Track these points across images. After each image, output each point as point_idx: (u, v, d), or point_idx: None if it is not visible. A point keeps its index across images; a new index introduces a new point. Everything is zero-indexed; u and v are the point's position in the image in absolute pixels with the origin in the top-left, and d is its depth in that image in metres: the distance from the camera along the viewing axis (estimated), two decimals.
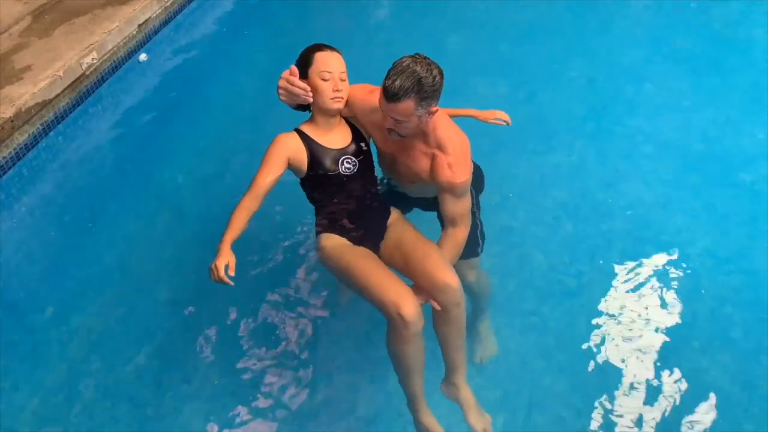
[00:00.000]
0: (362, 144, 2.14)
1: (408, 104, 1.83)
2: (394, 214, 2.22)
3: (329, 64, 2.01)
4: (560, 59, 4.09)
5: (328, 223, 2.14)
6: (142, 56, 4.03)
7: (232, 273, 1.83)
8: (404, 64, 1.84)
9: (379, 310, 1.92)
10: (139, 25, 4.05)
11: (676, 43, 4.27)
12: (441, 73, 1.87)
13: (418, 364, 1.95)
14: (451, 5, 4.70)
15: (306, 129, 2.11)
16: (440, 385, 2.14)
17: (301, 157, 2.06)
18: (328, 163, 2.07)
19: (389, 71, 1.86)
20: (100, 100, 3.70)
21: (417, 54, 1.87)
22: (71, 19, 3.88)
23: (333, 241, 2.10)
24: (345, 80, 2.04)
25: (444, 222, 2.08)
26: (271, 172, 2.01)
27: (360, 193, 2.14)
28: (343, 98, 2.04)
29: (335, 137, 2.11)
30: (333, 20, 4.60)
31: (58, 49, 3.61)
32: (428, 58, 1.88)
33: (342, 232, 2.12)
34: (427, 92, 1.84)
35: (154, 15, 4.19)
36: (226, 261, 1.84)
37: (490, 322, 2.49)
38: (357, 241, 2.11)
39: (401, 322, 1.85)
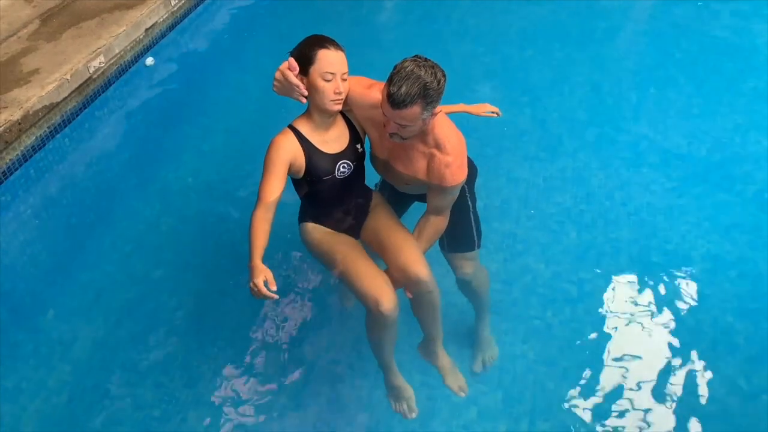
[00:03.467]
0: (358, 146, 2.12)
1: (414, 109, 1.81)
2: (376, 198, 2.25)
3: (333, 64, 1.93)
4: (565, 65, 4.10)
5: (313, 213, 2.16)
6: (149, 60, 4.05)
7: (273, 287, 1.82)
8: (408, 69, 1.79)
9: (359, 299, 2.05)
10: (146, 30, 4.08)
11: (680, 49, 4.28)
12: (444, 75, 1.85)
13: (392, 342, 2.14)
14: (456, 11, 4.72)
15: (302, 128, 2.03)
16: (417, 348, 2.29)
17: (300, 162, 2.01)
18: (325, 168, 2.04)
19: (392, 76, 1.81)
20: (106, 104, 3.73)
21: (418, 56, 1.84)
22: (79, 23, 3.92)
23: (317, 231, 2.14)
24: (346, 80, 1.98)
25: (428, 209, 2.10)
26: (277, 181, 1.96)
27: (351, 191, 2.16)
28: (343, 99, 1.99)
29: (333, 138, 2.06)
30: (338, 25, 4.62)
31: (66, 52, 3.64)
32: (429, 60, 1.84)
33: (326, 222, 2.15)
34: (432, 96, 1.82)
35: (161, 19, 4.22)
36: (263, 277, 1.82)
37: (490, 331, 2.48)
38: (339, 228, 2.16)
39: (380, 315, 1.98)
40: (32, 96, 3.29)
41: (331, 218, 2.16)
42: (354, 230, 2.20)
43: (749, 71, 4.00)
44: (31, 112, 3.25)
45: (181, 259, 2.89)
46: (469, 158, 2.16)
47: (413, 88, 1.78)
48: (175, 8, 4.35)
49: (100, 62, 3.68)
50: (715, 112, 3.66)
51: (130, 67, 3.95)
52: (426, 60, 1.84)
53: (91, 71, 3.62)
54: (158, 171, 3.38)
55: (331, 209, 2.15)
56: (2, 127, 3.09)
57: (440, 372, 2.25)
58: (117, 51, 3.82)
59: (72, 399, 2.36)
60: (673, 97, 3.80)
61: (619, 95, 3.87)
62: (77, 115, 3.56)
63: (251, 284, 1.84)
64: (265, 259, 1.89)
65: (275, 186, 1.96)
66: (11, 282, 2.80)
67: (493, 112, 2.36)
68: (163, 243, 2.98)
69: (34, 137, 3.29)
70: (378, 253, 2.18)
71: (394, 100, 1.79)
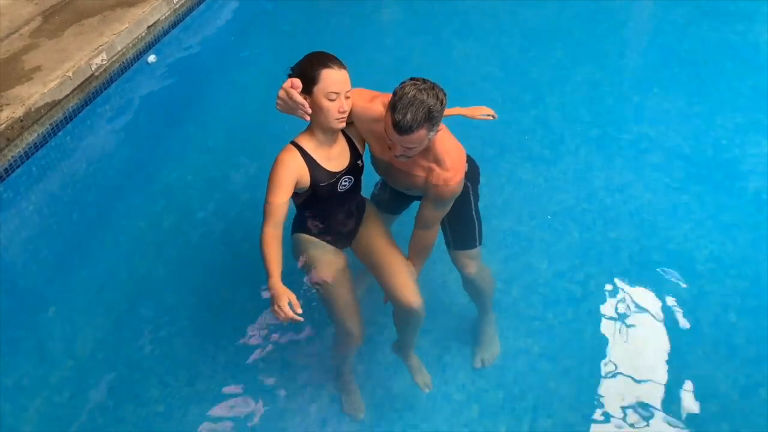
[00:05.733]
0: (359, 162, 2.12)
1: (421, 133, 1.83)
2: (369, 208, 2.26)
3: (337, 83, 1.91)
4: (567, 64, 4.10)
5: (309, 222, 2.14)
6: (151, 58, 4.05)
7: (298, 309, 1.81)
8: (410, 95, 1.80)
9: (331, 322, 2.22)
10: (148, 27, 4.08)
11: (683, 49, 4.28)
12: (445, 95, 1.87)
13: (353, 357, 2.33)
14: (459, 10, 4.72)
15: (306, 145, 2.02)
16: (391, 345, 2.38)
17: (305, 180, 2.00)
18: (328, 184, 2.03)
19: (395, 104, 1.81)
20: (108, 101, 3.73)
21: (416, 79, 1.85)
22: (81, 20, 3.92)
23: (310, 245, 2.13)
24: (349, 98, 1.97)
25: (417, 222, 2.12)
26: (284, 199, 1.95)
27: (348, 203, 2.16)
28: (346, 117, 1.98)
29: (335, 156, 2.06)
30: (340, 24, 4.63)
31: (68, 49, 3.64)
32: (428, 81, 1.85)
33: (321, 231, 2.15)
34: (437, 118, 1.85)
35: (163, 17, 4.22)
36: (287, 299, 1.81)
37: (495, 326, 2.49)
38: (331, 239, 2.16)
39: (349, 344, 2.21)
40: (34, 93, 3.29)
41: (327, 226, 2.15)
42: (347, 240, 2.21)
43: (750, 71, 4.00)
44: (33, 110, 3.25)
45: (182, 256, 2.89)
46: (470, 157, 2.17)
47: (418, 113, 1.79)
48: (178, 6, 4.35)
49: (102, 60, 3.68)
50: (717, 111, 3.66)
51: (132, 65, 3.95)
52: (425, 81, 1.85)
53: (93, 68, 3.62)
54: (160, 168, 3.38)
55: (328, 218, 2.14)
56: (4, 124, 3.09)
57: (409, 369, 2.35)
58: (119, 48, 3.83)
59: (73, 396, 2.36)
60: (675, 96, 3.80)
61: (621, 95, 3.87)
62: (79, 113, 3.56)
63: (275, 307, 1.81)
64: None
65: (282, 204, 1.95)
66: (13, 279, 2.80)
67: (488, 115, 2.36)
68: (165, 240, 2.98)
69: (36, 134, 3.29)
70: (369, 270, 2.24)
71: (400, 128, 1.81)
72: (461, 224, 2.27)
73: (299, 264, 2.17)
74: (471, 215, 2.29)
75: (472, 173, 2.20)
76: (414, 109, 1.79)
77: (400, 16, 4.87)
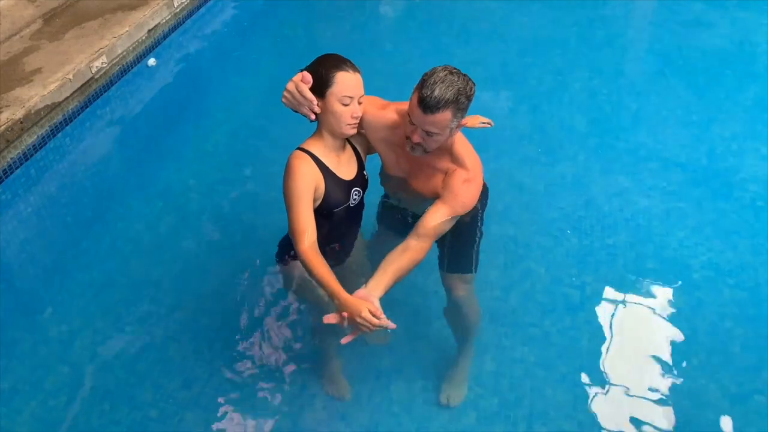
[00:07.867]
0: (365, 173, 2.06)
1: (446, 115, 1.76)
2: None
3: (351, 88, 1.84)
4: (565, 72, 4.12)
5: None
6: (151, 61, 4.07)
7: (380, 315, 1.76)
8: (441, 74, 1.75)
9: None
10: (149, 30, 4.09)
11: (680, 57, 4.30)
12: (474, 84, 1.82)
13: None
14: (458, 17, 4.74)
15: (317, 151, 1.92)
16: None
17: (321, 188, 1.90)
18: (341, 197, 1.95)
19: (423, 82, 1.75)
20: (108, 104, 3.74)
21: (447, 65, 1.81)
22: (82, 23, 3.93)
23: (302, 272, 2.02)
24: (362, 103, 1.90)
25: (414, 231, 1.91)
26: (310, 209, 1.86)
27: (353, 222, 2.10)
28: (358, 123, 1.91)
29: (345, 163, 1.98)
30: (340, 29, 4.65)
31: (69, 52, 3.65)
32: (457, 69, 1.81)
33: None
34: (463, 104, 1.79)
35: (164, 20, 4.24)
36: (366, 309, 1.75)
37: (470, 366, 2.36)
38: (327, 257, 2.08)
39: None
40: (34, 95, 3.30)
41: (324, 249, 2.02)
42: (339, 260, 2.14)
43: (748, 80, 4.03)
44: (33, 111, 3.25)
45: (180, 260, 2.89)
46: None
47: (447, 92, 1.74)
48: (178, 9, 4.37)
49: (102, 62, 3.69)
50: (714, 119, 3.68)
51: (132, 68, 3.96)
52: (455, 68, 1.81)
53: (93, 71, 3.63)
54: (159, 171, 3.39)
55: (328, 238, 2.02)
56: (4, 126, 3.09)
57: (330, 377, 2.35)
58: (119, 51, 3.84)
59: (69, 399, 2.35)
60: (673, 104, 3.82)
61: (619, 102, 3.89)
62: (79, 115, 3.57)
63: (358, 321, 1.75)
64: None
65: (309, 215, 1.85)
66: (10, 281, 2.80)
67: (485, 123, 2.32)
68: (163, 244, 2.98)
69: (35, 136, 3.30)
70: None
71: (426, 104, 1.74)
72: (463, 245, 2.16)
73: (291, 288, 2.19)
74: (474, 238, 2.18)
75: (483, 193, 2.10)
76: (444, 86, 1.73)
77: (400, 22, 4.89)
